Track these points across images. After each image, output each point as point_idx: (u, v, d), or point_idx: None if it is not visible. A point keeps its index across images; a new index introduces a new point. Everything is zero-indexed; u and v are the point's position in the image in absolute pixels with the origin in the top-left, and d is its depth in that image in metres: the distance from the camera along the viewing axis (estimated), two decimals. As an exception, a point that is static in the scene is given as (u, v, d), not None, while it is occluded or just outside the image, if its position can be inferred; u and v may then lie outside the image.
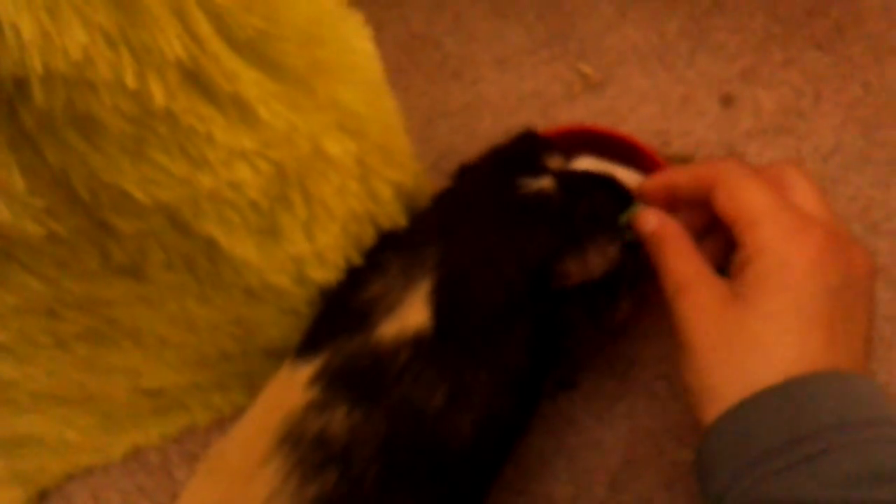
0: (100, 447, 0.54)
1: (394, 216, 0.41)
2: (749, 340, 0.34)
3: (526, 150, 0.45)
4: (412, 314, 0.38)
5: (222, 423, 0.60)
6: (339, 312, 0.42)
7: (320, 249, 0.38)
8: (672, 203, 0.43)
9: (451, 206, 0.43)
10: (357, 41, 0.33)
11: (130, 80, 0.23)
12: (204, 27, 0.24)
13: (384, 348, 0.38)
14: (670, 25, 0.64)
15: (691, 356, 0.36)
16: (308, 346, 0.42)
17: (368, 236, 0.41)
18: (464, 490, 0.41)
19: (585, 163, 0.47)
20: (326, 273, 0.42)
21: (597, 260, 0.41)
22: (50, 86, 0.22)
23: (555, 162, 0.45)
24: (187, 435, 0.59)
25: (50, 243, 0.30)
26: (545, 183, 0.41)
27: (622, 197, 0.44)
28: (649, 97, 0.62)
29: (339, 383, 0.38)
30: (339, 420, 0.37)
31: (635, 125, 0.61)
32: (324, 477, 0.36)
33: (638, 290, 0.46)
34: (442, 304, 0.38)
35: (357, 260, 0.42)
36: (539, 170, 0.43)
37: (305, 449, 0.37)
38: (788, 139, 0.59)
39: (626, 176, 0.47)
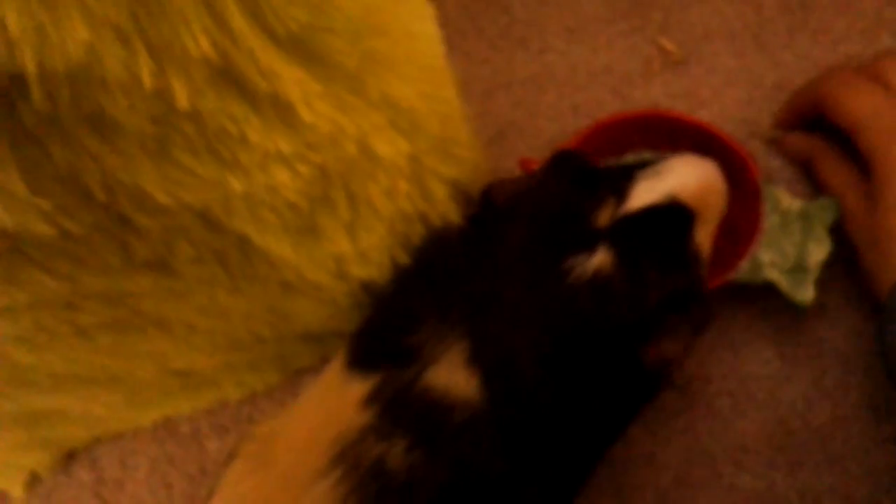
0: (128, 419, 0.52)
1: (447, 214, 0.37)
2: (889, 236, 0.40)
3: (571, 202, 0.38)
4: (456, 378, 0.36)
5: (254, 398, 0.58)
6: (388, 342, 0.39)
7: (364, 249, 0.35)
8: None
9: (485, 270, 0.38)
10: (418, 24, 0.28)
11: (147, 79, 0.19)
12: (237, 20, 0.19)
13: (435, 398, 0.36)
14: (768, -1, 0.57)
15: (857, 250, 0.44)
16: (359, 360, 0.39)
17: (417, 234, 0.37)
18: None
19: (644, 187, 0.40)
20: (369, 270, 0.38)
21: (677, 346, 0.38)
22: (50, 84, 0.18)
23: (605, 210, 0.38)
24: (219, 407, 0.58)
25: (64, 241, 0.27)
26: (601, 260, 0.36)
27: (686, 223, 0.39)
28: (737, 80, 0.56)
29: (396, 414, 0.36)
30: (398, 454, 0.36)
31: (718, 111, 0.55)
32: None
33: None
34: (494, 387, 0.36)
35: (403, 258, 0.38)
36: (588, 235, 0.37)
37: (364, 476, 0.36)
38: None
39: (694, 171, 0.41)
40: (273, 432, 0.41)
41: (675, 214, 0.39)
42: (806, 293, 0.44)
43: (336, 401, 0.39)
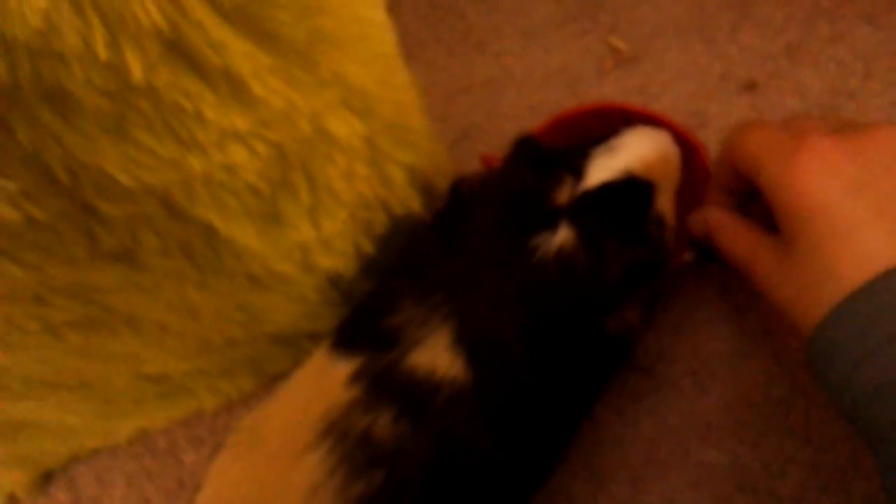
0: (103, 431, 0.52)
1: (407, 201, 0.38)
2: (816, 275, 0.34)
3: (531, 184, 0.40)
4: (441, 359, 0.37)
5: (231, 408, 0.58)
6: (370, 326, 0.40)
7: (327, 236, 0.36)
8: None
9: (459, 255, 0.39)
10: (367, 10, 0.29)
11: (102, 51, 0.20)
12: (186, -9, 0.21)
13: (421, 378, 0.37)
14: (709, -4, 0.59)
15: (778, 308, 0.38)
16: (344, 343, 0.41)
17: (380, 223, 0.38)
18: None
19: (599, 165, 0.41)
20: (334, 260, 0.39)
21: (636, 312, 0.40)
22: (11, 56, 0.19)
23: (564, 188, 0.40)
24: (195, 419, 0.58)
25: (30, 229, 0.27)
26: (563, 238, 0.37)
27: (644, 195, 0.41)
28: (685, 74, 0.58)
29: (381, 389, 0.38)
30: (385, 424, 0.37)
31: (669, 104, 0.58)
32: (370, 477, 0.36)
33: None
34: (480, 366, 0.37)
35: (367, 247, 0.39)
36: (550, 215, 0.38)
37: (351, 446, 0.37)
38: (834, 121, 0.55)
39: (646, 142, 0.42)
40: (257, 421, 0.42)
41: (631, 188, 0.40)
42: None
43: (322, 381, 0.40)
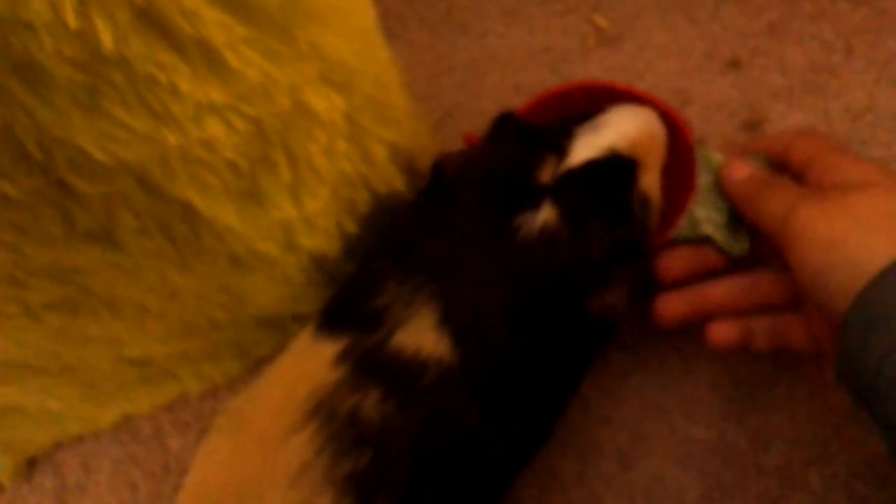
0: (87, 417, 0.52)
1: (390, 180, 0.38)
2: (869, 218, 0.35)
3: (515, 163, 0.40)
4: (427, 339, 0.37)
5: (216, 392, 0.58)
6: (355, 308, 0.40)
7: (309, 215, 0.35)
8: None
9: (442, 235, 0.39)
10: (345, -18, 0.29)
11: (71, 19, 0.20)
12: (156, -42, 0.20)
13: (406, 359, 0.37)
14: (693, -26, 0.59)
15: (819, 254, 0.36)
16: (328, 324, 0.41)
17: (362, 201, 0.38)
18: (495, 483, 0.42)
19: (583, 143, 0.41)
20: (317, 240, 0.39)
21: (618, 294, 0.40)
22: (-23, 26, 0.19)
23: (547, 167, 0.39)
24: (179, 404, 0.57)
25: (4, 207, 0.27)
26: (546, 217, 0.37)
27: (627, 173, 0.41)
28: (669, 53, 0.58)
29: (367, 369, 0.37)
30: (372, 403, 0.37)
31: (653, 83, 0.57)
32: (357, 456, 0.36)
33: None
34: (466, 346, 0.37)
35: (350, 227, 0.39)
36: (533, 193, 0.38)
37: (339, 425, 0.37)
38: (817, 99, 0.55)
39: (631, 120, 0.42)
40: (244, 403, 0.42)
41: (615, 166, 0.40)
42: (741, 245, 0.46)
43: (307, 362, 0.40)
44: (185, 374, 0.52)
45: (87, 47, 0.21)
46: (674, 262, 0.45)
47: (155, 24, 0.22)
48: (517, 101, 0.60)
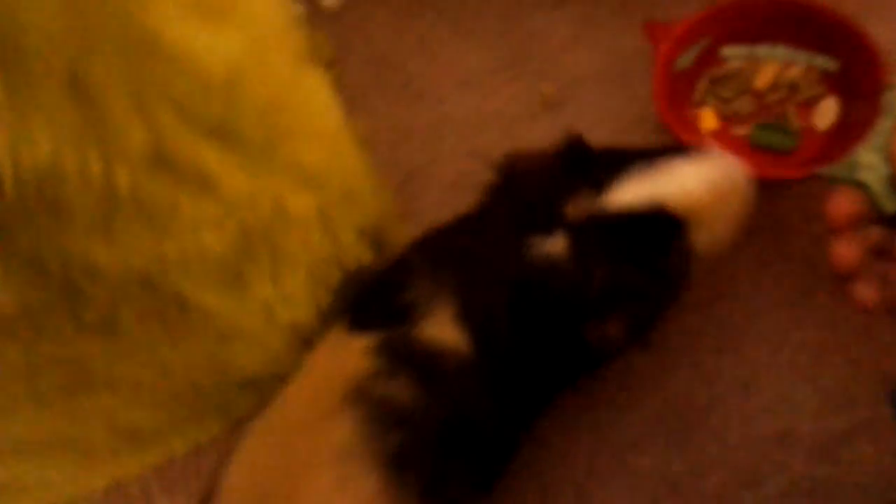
0: (81, 483, 0.54)
1: (358, 256, 0.43)
2: None
3: (549, 186, 0.42)
4: (447, 331, 0.41)
5: (199, 451, 0.60)
6: (385, 303, 0.43)
7: (287, 293, 0.40)
8: None
9: (471, 236, 0.43)
10: (315, 95, 0.34)
11: (96, 172, 0.24)
12: (166, 117, 0.25)
13: (432, 348, 0.40)
14: (625, 44, 0.66)
15: None
16: (358, 323, 0.43)
17: (335, 277, 0.42)
18: (498, 461, 0.47)
19: (628, 185, 0.39)
20: (294, 312, 0.43)
21: (618, 331, 0.41)
22: (21, 181, 0.23)
23: (577, 199, 0.41)
24: (166, 464, 0.60)
25: (25, 313, 0.31)
26: (556, 246, 0.41)
27: (668, 231, 0.40)
28: (606, 117, 0.64)
29: (399, 357, 0.40)
30: (403, 390, 0.40)
31: (594, 143, 0.63)
32: (392, 435, 0.39)
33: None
34: (479, 340, 0.41)
35: (324, 298, 0.44)
36: (551, 220, 0.41)
37: (374, 408, 0.40)
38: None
39: (699, 174, 0.39)
40: (276, 406, 0.44)
41: (652, 221, 0.39)
42: (895, 204, 0.40)
43: (341, 354, 0.43)
44: (172, 438, 0.55)
45: (107, 189, 0.26)
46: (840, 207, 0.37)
47: (163, 164, 0.27)
48: (473, 163, 0.65)
